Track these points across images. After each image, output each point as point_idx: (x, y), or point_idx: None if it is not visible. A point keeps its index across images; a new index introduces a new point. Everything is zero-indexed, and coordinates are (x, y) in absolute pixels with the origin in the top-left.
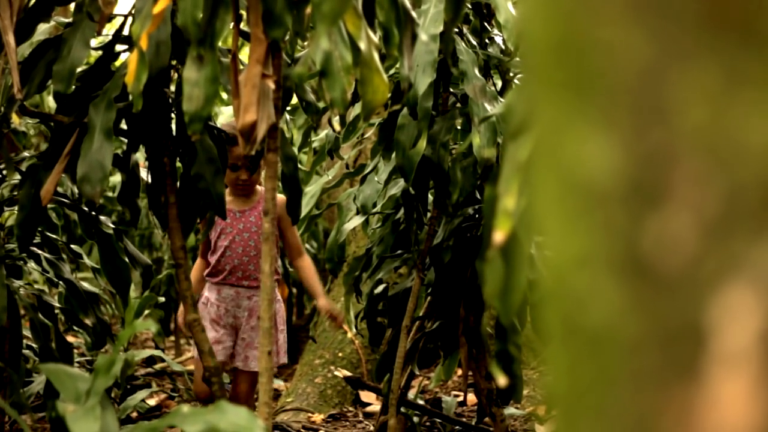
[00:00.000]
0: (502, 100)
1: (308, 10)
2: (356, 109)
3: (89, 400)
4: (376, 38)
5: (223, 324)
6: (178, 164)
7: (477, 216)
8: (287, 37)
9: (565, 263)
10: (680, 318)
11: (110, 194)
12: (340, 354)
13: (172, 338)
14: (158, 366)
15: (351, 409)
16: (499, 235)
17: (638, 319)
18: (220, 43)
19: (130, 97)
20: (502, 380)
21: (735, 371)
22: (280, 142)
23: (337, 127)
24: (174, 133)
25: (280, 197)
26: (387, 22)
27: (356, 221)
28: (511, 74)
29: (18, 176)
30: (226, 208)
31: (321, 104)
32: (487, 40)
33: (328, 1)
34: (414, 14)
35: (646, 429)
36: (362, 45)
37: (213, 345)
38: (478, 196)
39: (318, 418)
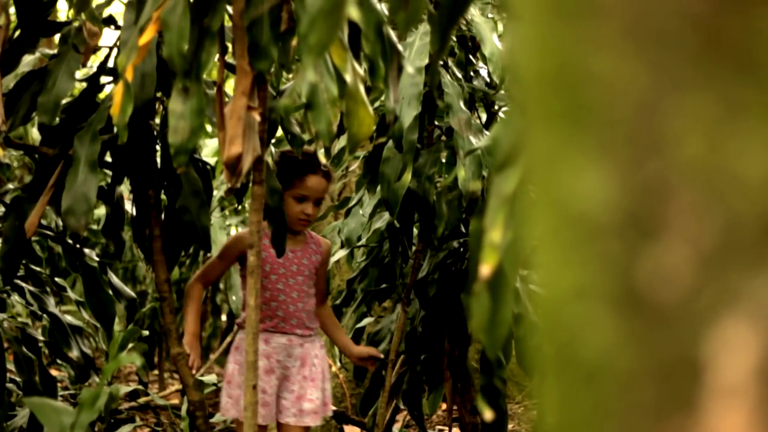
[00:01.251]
0: (487, 133)
1: (294, 42)
2: (341, 142)
3: None
4: (361, 71)
5: (273, 380)
6: (163, 197)
7: (462, 249)
8: (273, 69)
9: (560, 295)
10: (676, 351)
11: (95, 227)
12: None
13: (156, 372)
14: (142, 400)
15: None
16: (485, 269)
17: (634, 352)
18: (205, 76)
19: (115, 130)
20: (488, 414)
21: (732, 404)
22: (266, 174)
23: (323, 160)
24: (159, 165)
25: (326, 242)
26: (373, 55)
27: (341, 254)
28: (497, 107)
29: (2, 208)
30: (275, 246)
31: (306, 136)
32: (472, 73)
33: (314, 33)
34: (400, 47)
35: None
36: (348, 77)
37: (260, 407)
38: (463, 230)
39: None
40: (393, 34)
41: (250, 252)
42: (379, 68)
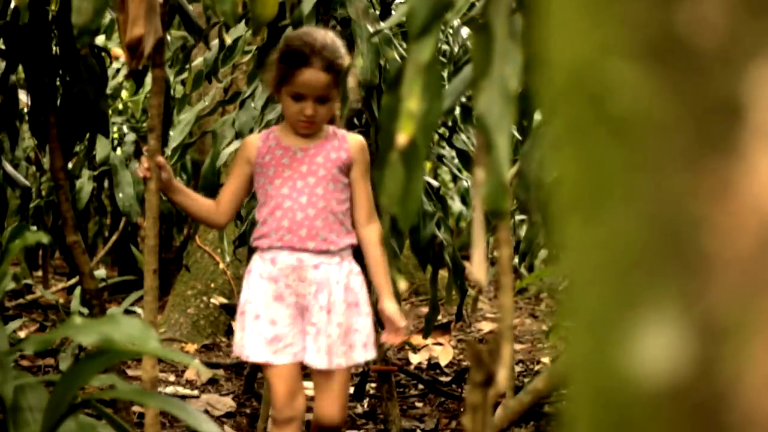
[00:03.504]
0: (382, 23)
1: None
2: (237, 31)
3: None
4: None
5: (283, 310)
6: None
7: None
8: None
9: (589, 52)
10: (714, 95)
11: None
12: (212, 285)
13: (40, 273)
14: (29, 297)
15: (224, 339)
16: (402, 138)
17: (669, 100)
18: None
19: (8, 16)
20: (402, 284)
21: None
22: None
23: (228, 40)
24: (54, 52)
25: (357, 138)
26: None
27: (234, 146)
28: None
29: None
30: (283, 145)
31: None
32: None
33: None
34: None
35: (679, 209)
36: None
37: (273, 343)
38: (357, 122)
39: (191, 348)
40: None
41: (150, 135)
42: None
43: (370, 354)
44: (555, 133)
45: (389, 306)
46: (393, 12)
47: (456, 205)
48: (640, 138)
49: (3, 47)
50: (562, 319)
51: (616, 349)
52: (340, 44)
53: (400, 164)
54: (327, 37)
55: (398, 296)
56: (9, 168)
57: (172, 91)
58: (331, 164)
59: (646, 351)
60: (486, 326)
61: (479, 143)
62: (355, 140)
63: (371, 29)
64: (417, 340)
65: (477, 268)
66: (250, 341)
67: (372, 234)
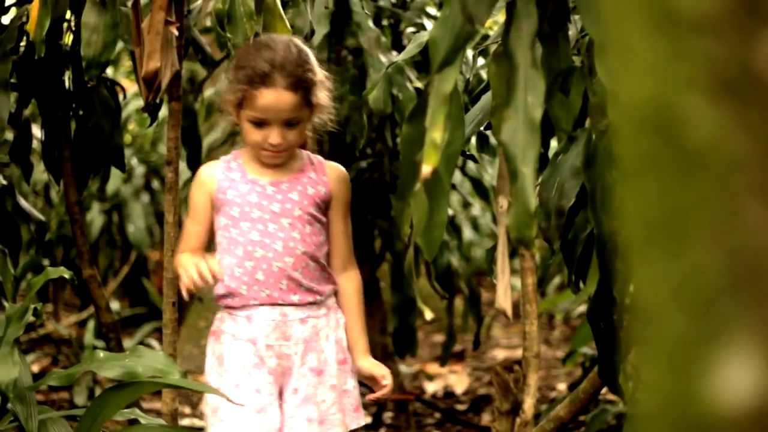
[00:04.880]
0: (395, 53)
1: None
2: None
3: (3, 348)
4: None
5: (264, 376)
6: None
7: (370, 169)
8: None
9: (666, 89)
10: None
11: None
12: None
13: (50, 306)
14: (41, 332)
15: None
16: (426, 168)
17: (746, 135)
18: None
19: (21, 50)
20: (428, 314)
21: None
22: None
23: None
24: (68, 86)
25: (336, 168)
26: None
27: None
28: (404, 26)
29: None
30: (249, 178)
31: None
32: None
33: None
34: None
35: (758, 242)
36: None
37: (258, 416)
38: (369, 151)
39: (204, 380)
40: None
41: (167, 168)
42: None
43: (362, 419)
44: (627, 168)
45: (367, 363)
46: (403, 41)
47: (467, 232)
48: (717, 172)
49: (16, 81)
50: (634, 352)
51: (698, 379)
52: (307, 53)
53: (424, 194)
54: (291, 46)
55: (415, 326)
56: (23, 202)
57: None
58: (309, 201)
59: (728, 381)
60: (500, 354)
61: (502, 172)
62: (335, 171)
63: (384, 59)
64: (432, 368)
65: (502, 297)
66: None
67: (350, 282)
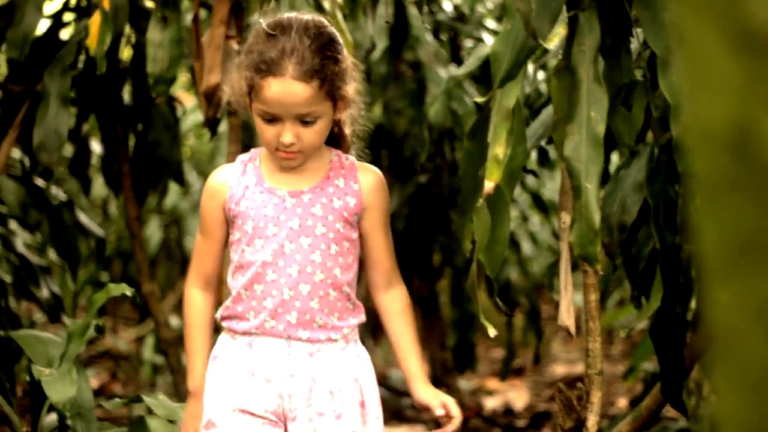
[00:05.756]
0: (454, 66)
1: None
2: None
3: (63, 365)
4: None
5: (258, 414)
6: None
7: (430, 184)
8: None
9: (749, 109)
10: None
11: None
12: None
13: (109, 321)
14: (100, 347)
15: None
16: (489, 185)
17: None
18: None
19: (79, 65)
20: (492, 331)
21: None
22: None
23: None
24: (127, 101)
25: (371, 172)
26: None
27: None
28: (463, 39)
29: None
30: (266, 186)
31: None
32: (440, 7)
33: None
34: None
35: None
36: (326, 5)
37: None
38: (428, 165)
39: None
40: None
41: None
42: None
43: None
44: (705, 188)
45: (429, 394)
46: (462, 54)
47: (526, 246)
48: None
49: (75, 96)
50: (698, 370)
51: None
52: (330, 37)
53: (486, 210)
54: (309, 28)
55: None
56: (82, 217)
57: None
58: (335, 216)
59: None
60: (560, 369)
61: (565, 187)
62: (369, 176)
63: (443, 73)
64: (492, 383)
65: (565, 314)
66: None
67: (396, 302)
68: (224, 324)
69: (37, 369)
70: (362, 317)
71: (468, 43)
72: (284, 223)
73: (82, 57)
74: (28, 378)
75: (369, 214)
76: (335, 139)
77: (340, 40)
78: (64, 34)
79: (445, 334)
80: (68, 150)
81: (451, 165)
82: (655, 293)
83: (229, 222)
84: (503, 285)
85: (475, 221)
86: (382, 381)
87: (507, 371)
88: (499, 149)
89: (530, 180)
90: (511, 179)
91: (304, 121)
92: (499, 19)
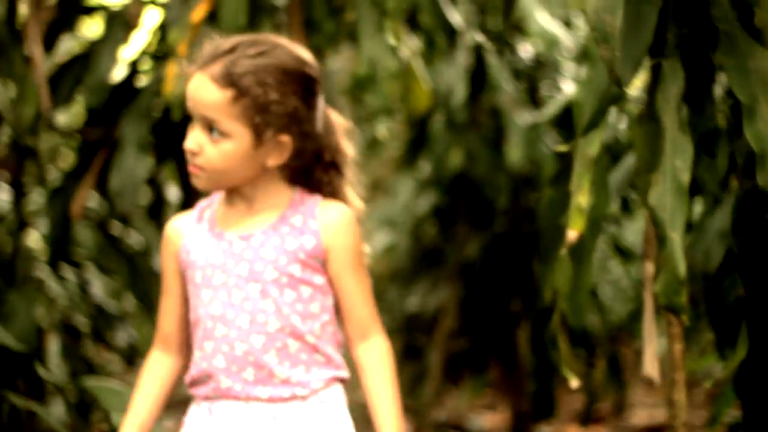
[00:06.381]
0: (532, 111)
1: (350, 17)
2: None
3: None
4: (417, 45)
5: None
6: None
7: (509, 230)
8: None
9: None
10: None
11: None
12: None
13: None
14: (177, 394)
15: None
16: (572, 234)
17: None
18: None
19: (156, 112)
20: (574, 382)
21: None
22: None
23: (384, 135)
24: None
25: (334, 209)
26: (431, 29)
27: (383, 238)
28: (542, 83)
29: (44, 193)
30: (217, 230)
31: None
32: (518, 51)
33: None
34: (455, 22)
35: None
36: (405, 52)
37: None
38: (505, 210)
39: None
40: (448, 9)
41: None
42: (437, 43)
43: None
44: None
45: None
46: (540, 99)
47: (605, 292)
48: None
49: (153, 142)
50: None
51: None
52: (288, 68)
53: (569, 259)
54: (267, 47)
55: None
56: (158, 262)
57: None
58: (288, 258)
59: None
60: (640, 416)
61: (649, 236)
62: (332, 212)
63: (521, 118)
64: (572, 429)
65: (650, 364)
66: None
67: (372, 352)
68: (191, 391)
69: (118, 416)
70: (340, 372)
71: (545, 88)
72: (232, 270)
73: (159, 103)
74: (106, 427)
75: (334, 256)
76: (315, 182)
77: (305, 83)
78: (141, 80)
79: (524, 380)
80: (145, 196)
81: (529, 210)
82: (742, 344)
83: (183, 275)
84: (582, 331)
85: (557, 270)
86: (460, 427)
87: (588, 418)
88: (582, 198)
89: (609, 225)
90: (593, 228)
91: (213, 130)
92: (577, 64)
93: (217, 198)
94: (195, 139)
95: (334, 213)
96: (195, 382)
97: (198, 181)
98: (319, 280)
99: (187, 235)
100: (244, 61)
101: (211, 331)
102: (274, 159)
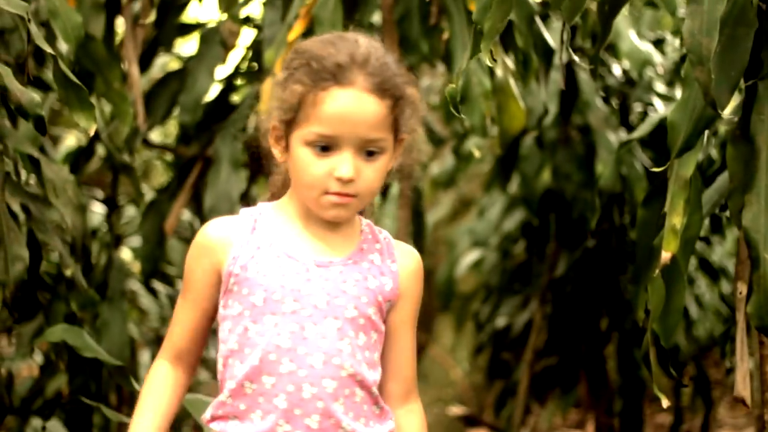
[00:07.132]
0: (623, 131)
1: (444, 36)
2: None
3: None
4: (511, 64)
5: None
6: None
7: (598, 248)
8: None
9: None
10: None
11: None
12: (448, 390)
13: None
14: None
15: None
16: (666, 255)
17: None
18: None
19: (250, 129)
20: (665, 402)
21: None
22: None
23: (477, 153)
24: None
25: (411, 253)
26: (525, 48)
27: (473, 256)
28: (632, 102)
29: (137, 210)
30: (285, 250)
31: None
32: (609, 71)
33: (488, 19)
34: (550, 41)
35: None
36: (499, 71)
37: None
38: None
39: None
40: (543, 28)
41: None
42: (532, 61)
43: None
44: None
45: None
46: (631, 118)
47: (693, 310)
48: None
49: (246, 159)
50: None
51: None
52: (398, 60)
53: (661, 280)
54: (375, 42)
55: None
56: None
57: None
58: (369, 298)
59: None
60: None
61: (742, 257)
62: (411, 258)
63: (612, 137)
64: None
65: (741, 384)
66: None
67: (413, 417)
68: (214, 427)
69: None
70: (392, 425)
71: (637, 107)
72: (307, 299)
73: (253, 120)
74: None
75: (402, 305)
76: None
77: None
78: (235, 98)
79: (612, 399)
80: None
81: (620, 229)
82: None
83: (223, 290)
84: (671, 350)
85: (649, 291)
86: None
87: None
88: (676, 219)
89: (698, 244)
90: (686, 249)
91: (368, 152)
92: (669, 83)
93: (272, 209)
94: (352, 164)
95: (413, 258)
96: (233, 418)
97: (345, 213)
98: (383, 327)
99: (238, 246)
100: (383, 62)
101: (274, 365)
102: (391, 162)
